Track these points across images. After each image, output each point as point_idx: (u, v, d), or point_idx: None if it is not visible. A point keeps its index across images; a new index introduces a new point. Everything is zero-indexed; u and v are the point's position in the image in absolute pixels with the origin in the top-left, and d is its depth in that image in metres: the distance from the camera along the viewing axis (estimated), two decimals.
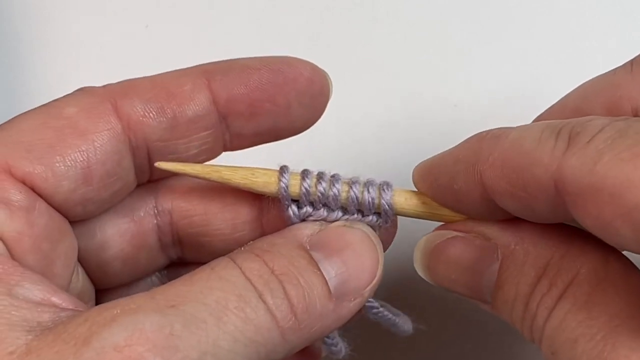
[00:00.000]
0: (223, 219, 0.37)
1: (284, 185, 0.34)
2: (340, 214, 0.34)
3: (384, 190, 0.34)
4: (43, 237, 0.32)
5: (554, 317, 0.29)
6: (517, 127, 0.31)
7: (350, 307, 0.33)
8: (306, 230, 0.34)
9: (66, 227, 0.34)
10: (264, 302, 0.29)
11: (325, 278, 0.32)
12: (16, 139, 0.33)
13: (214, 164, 0.35)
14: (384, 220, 0.34)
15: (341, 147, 0.54)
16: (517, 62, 0.52)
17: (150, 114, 0.35)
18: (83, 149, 0.33)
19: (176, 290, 0.29)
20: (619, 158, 0.26)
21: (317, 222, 0.34)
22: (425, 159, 0.35)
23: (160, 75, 0.36)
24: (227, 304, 0.29)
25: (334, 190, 0.34)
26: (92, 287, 0.37)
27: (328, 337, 0.36)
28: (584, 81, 0.49)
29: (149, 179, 0.37)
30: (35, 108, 0.35)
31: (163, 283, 0.33)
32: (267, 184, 0.34)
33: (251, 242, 0.33)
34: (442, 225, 0.35)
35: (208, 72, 0.36)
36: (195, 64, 0.54)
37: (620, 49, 0.51)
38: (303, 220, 0.35)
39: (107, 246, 0.37)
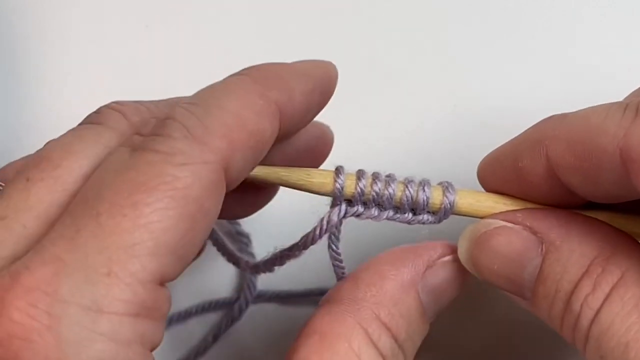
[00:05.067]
0: None
1: (339, 186, 0.35)
2: (391, 212, 0.35)
3: (448, 190, 0.35)
4: None
5: (601, 320, 0.30)
6: (585, 108, 0.32)
7: None
8: None
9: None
10: None
11: None
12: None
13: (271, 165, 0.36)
14: (437, 218, 0.35)
15: (340, 146, 0.55)
16: (517, 63, 0.53)
17: None
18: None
19: None
20: None
21: None
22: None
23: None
24: None
25: (389, 190, 0.35)
26: None
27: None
28: (583, 82, 0.51)
29: None
30: None
31: None
32: (322, 184, 0.35)
33: None
34: (491, 215, 0.35)
35: None
36: (194, 64, 0.55)
37: (620, 50, 0.53)
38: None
39: None
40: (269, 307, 0.53)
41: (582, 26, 0.54)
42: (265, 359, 0.53)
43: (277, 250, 0.39)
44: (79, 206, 0.27)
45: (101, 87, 0.55)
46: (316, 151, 0.42)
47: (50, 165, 0.29)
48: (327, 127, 0.43)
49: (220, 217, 0.31)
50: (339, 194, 0.35)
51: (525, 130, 0.34)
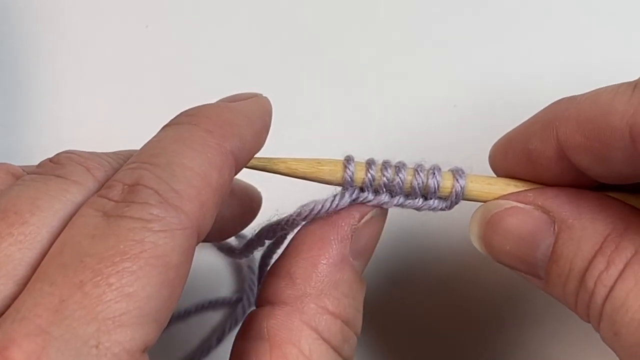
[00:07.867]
0: None
1: (350, 173, 0.35)
2: (402, 199, 0.35)
3: (459, 175, 0.35)
4: None
5: (615, 297, 0.30)
6: (594, 89, 0.31)
7: None
8: None
9: None
10: None
11: None
12: None
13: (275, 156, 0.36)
14: (447, 204, 0.35)
15: (339, 147, 0.54)
16: (517, 62, 0.53)
17: None
18: None
19: None
20: None
21: None
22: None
23: None
24: None
25: (400, 176, 0.35)
26: None
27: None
28: (583, 80, 0.52)
29: None
30: None
31: None
32: (332, 171, 0.35)
33: None
34: (501, 196, 0.35)
35: None
36: (194, 64, 0.55)
37: (620, 48, 0.53)
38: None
39: None
40: None
41: (580, 24, 0.54)
42: None
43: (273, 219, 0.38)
44: (57, 272, 0.26)
45: (101, 87, 0.55)
46: (244, 213, 0.42)
47: (18, 220, 0.28)
48: (255, 190, 0.42)
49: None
50: (349, 182, 0.35)
51: (536, 114, 0.34)
